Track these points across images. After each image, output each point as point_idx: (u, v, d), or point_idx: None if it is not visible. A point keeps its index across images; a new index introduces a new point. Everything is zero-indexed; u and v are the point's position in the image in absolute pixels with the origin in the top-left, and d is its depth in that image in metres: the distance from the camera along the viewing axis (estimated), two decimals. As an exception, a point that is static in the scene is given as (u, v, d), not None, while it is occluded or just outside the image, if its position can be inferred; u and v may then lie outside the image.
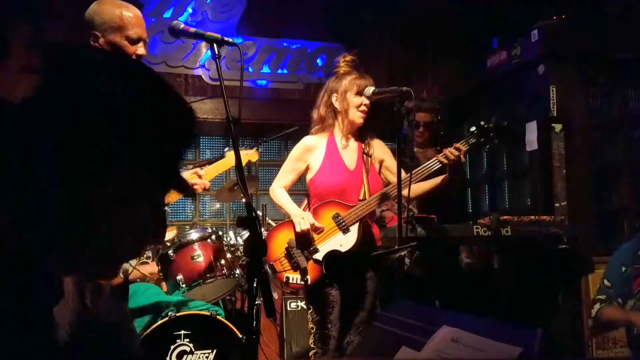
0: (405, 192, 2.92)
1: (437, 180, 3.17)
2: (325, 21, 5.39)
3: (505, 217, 3.54)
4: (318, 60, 5.43)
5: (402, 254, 3.04)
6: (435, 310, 2.87)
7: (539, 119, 4.32)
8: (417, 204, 3.93)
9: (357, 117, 3.18)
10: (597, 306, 3.37)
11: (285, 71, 5.38)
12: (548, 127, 4.25)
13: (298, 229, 3.08)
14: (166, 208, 0.99)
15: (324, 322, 3.08)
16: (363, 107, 3.17)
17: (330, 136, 3.24)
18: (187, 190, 0.96)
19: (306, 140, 3.27)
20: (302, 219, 3.09)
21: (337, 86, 3.21)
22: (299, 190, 4.32)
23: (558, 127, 4.23)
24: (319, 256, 3.10)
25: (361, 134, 3.27)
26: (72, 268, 0.89)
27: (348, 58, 3.31)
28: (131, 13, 2.41)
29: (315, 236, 3.12)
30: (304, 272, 3.07)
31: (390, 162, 3.30)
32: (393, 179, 3.23)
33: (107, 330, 1.89)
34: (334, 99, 3.21)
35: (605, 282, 3.35)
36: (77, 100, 0.84)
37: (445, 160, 3.06)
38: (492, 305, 3.97)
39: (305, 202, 3.35)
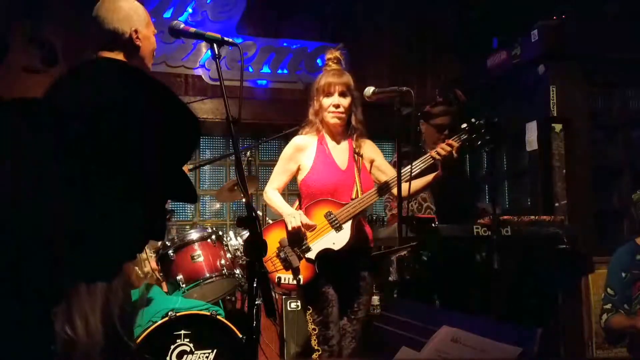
0: (397, 190, 2.88)
1: (429, 177, 3.12)
2: (325, 21, 5.40)
3: (505, 217, 3.53)
4: (318, 61, 5.43)
5: (403, 253, 3.04)
6: (435, 310, 2.87)
7: (539, 119, 4.32)
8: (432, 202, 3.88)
9: (329, 117, 3.12)
10: (604, 316, 3.38)
11: (285, 71, 5.38)
12: (548, 127, 4.25)
13: (289, 227, 3.02)
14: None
15: (325, 322, 3.02)
16: (332, 108, 3.09)
17: (321, 136, 3.18)
18: (187, 196, 0.97)
19: (296, 140, 3.21)
20: (294, 217, 3.03)
21: (315, 86, 3.18)
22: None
23: (558, 127, 4.23)
24: (311, 255, 3.03)
25: (351, 133, 3.19)
26: (71, 269, 0.89)
27: (332, 55, 3.22)
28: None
29: (307, 234, 3.05)
30: (296, 272, 2.98)
31: (381, 162, 3.26)
32: (384, 178, 3.19)
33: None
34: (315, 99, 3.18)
35: (609, 290, 3.36)
36: (90, 107, 0.86)
37: (437, 156, 3.01)
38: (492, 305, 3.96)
39: (297, 203, 3.30)
